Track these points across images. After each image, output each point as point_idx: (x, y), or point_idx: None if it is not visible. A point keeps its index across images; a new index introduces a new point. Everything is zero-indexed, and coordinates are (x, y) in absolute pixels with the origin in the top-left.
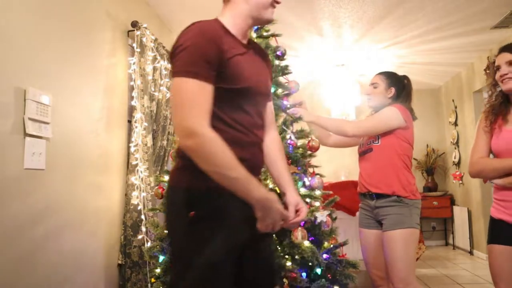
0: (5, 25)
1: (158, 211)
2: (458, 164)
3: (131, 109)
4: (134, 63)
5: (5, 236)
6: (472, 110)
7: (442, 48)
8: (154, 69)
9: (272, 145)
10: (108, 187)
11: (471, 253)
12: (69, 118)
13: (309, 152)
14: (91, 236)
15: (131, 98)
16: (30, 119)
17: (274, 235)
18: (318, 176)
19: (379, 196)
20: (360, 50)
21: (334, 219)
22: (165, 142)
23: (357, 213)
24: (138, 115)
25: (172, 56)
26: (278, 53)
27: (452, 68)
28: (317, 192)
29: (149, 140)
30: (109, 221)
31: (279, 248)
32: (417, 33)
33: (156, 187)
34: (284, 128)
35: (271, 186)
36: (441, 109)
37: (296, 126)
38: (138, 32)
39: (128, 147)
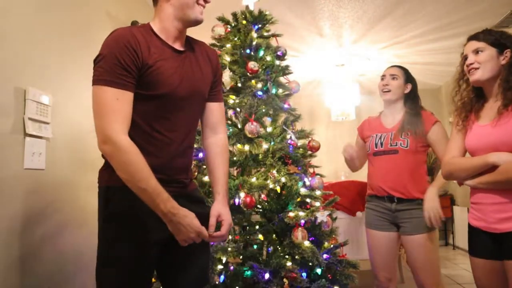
0: (5, 25)
1: None
2: None
3: None
4: None
5: (5, 236)
6: None
7: (442, 48)
8: None
9: (213, 149)
10: None
11: None
12: (69, 118)
13: (309, 152)
14: (91, 236)
15: None
16: (30, 119)
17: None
18: (318, 176)
19: (401, 199)
20: (360, 50)
21: (334, 219)
22: None
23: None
24: None
25: (94, 65)
26: (278, 53)
27: (452, 68)
28: (317, 192)
29: None
30: None
31: (279, 248)
32: (417, 33)
33: None
34: (285, 128)
35: (271, 186)
36: (441, 109)
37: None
38: None
39: None
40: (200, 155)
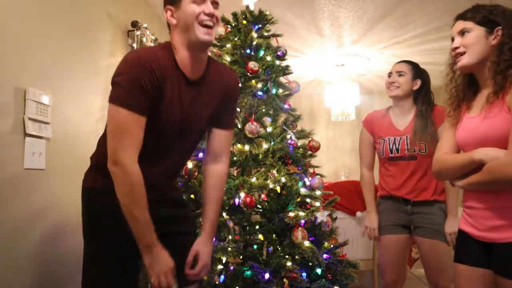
0: (5, 25)
1: None
2: None
3: None
4: None
5: (5, 236)
6: None
7: (442, 48)
8: None
9: (210, 179)
10: None
11: None
12: (69, 118)
13: (309, 152)
14: None
15: None
16: (30, 119)
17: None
18: (318, 176)
19: (417, 202)
20: (360, 50)
21: (334, 219)
22: None
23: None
24: None
25: (112, 82)
26: (278, 53)
27: None
28: (317, 192)
29: None
30: None
31: (279, 248)
32: (417, 33)
33: None
34: (285, 128)
35: (271, 186)
36: None
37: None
38: (138, 32)
39: None
40: (200, 155)
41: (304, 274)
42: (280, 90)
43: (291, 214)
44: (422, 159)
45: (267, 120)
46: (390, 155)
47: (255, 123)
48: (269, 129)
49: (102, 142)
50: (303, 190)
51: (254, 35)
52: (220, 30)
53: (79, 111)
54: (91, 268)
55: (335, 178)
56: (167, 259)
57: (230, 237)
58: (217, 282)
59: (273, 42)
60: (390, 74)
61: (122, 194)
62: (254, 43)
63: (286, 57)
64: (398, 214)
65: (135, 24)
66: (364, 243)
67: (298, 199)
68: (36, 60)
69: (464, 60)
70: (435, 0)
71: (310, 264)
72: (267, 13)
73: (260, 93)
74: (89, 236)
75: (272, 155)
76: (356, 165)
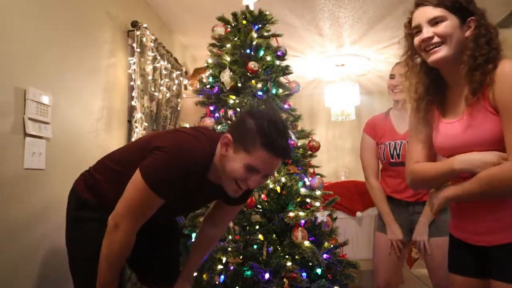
0: (5, 25)
1: None
2: None
3: (131, 109)
4: (134, 63)
5: (5, 236)
6: None
7: None
8: (154, 69)
9: (205, 237)
10: None
11: None
12: (69, 118)
13: (309, 152)
14: None
15: (131, 98)
16: (30, 119)
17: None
18: (318, 176)
19: (420, 203)
20: (360, 50)
21: (334, 219)
22: None
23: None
24: (138, 115)
25: (151, 152)
26: (278, 53)
27: None
28: (317, 192)
29: None
30: None
31: (279, 248)
32: None
33: None
34: None
35: (271, 186)
36: None
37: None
38: (138, 32)
39: None
40: None
41: (304, 274)
42: (280, 90)
43: (291, 214)
44: None
45: None
46: (391, 160)
47: None
48: None
49: (110, 175)
50: (303, 190)
51: (254, 35)
52: (220, 30)
53: (79, 111)
54: (82, 269)
55: (335, 178)
56: None
57: (230, 237)
58: (217, 282)
59: (273, 42)
60: (393, 76)
61: (108, 249)
62: (254, 43)
63: (286, 57)
64: (399, 214)
65: (135, 24)
66: (364, 243)
67: (298, 199)
68: (36, 60)
69: (442, 52)
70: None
71: (310, 264)
72: (267, 13)
73: (260, 93)
74: (79, 238)
75: None
76: (356, 164)
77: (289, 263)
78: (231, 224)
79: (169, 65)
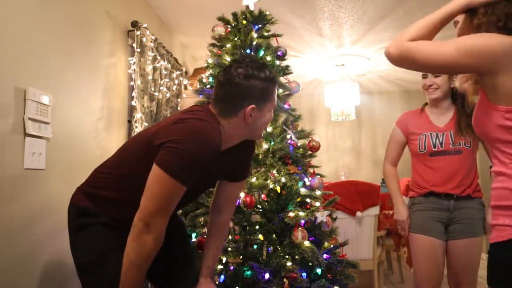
0: (5, 25)
1: None
2: None
3: (131, 109)
4: (134, 63)
5: (5, 236)
6: None
7: None
8: (154, 69)
9: (213, 228)
10: None
11: None
12: (69, 118)
13: (309, 152)
14: None
15: (131, 98)
16: (30, 119)
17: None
18: (318, 176)
19: (460, 197)
20: (360, 50)
21: (334, 219)
22: None
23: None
24: (138, 115)
25: (167, 145)
26: (278, 53)
27: None
28: (317, 192)
29: None
30: None
31: (279, 248)
32: None
33: None
34: (285, 128)
35: (271, 186)
36: None
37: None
38: (138, 32)
39: None
40: None
41: (304, 274)
42: (280, 90)
43: (291, 214)
44: (467, 153)
45: None
46: (433, 149)
47: None
48: (269, 129)
49: (114, 180)
50: (303, 190)
51: (254, 35)
52: (220, 30)
53: (79, 111)
54: (90, 275)
55: (335, 178)
56: None
57: (230, 237)
58: (217, 282)
59: (273, 42)
60: (425, 76)
61: (137, 254)
62: (254, 43)
63: (286, 57)
64: (439, 212)
65: (135, 24)
66: (364, 243)
67: (298, 199)
68: (36, 60)
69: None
70: (435, 0)
71: (310, 264)
72: (267, 13)
73: None
74: (82, 245)
75: (272, 155)
76: (356, 164)
77: (289, 263)
78: (231, 224)
79: (169, 65)
